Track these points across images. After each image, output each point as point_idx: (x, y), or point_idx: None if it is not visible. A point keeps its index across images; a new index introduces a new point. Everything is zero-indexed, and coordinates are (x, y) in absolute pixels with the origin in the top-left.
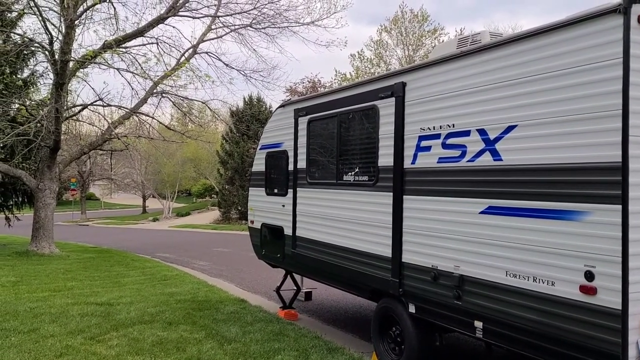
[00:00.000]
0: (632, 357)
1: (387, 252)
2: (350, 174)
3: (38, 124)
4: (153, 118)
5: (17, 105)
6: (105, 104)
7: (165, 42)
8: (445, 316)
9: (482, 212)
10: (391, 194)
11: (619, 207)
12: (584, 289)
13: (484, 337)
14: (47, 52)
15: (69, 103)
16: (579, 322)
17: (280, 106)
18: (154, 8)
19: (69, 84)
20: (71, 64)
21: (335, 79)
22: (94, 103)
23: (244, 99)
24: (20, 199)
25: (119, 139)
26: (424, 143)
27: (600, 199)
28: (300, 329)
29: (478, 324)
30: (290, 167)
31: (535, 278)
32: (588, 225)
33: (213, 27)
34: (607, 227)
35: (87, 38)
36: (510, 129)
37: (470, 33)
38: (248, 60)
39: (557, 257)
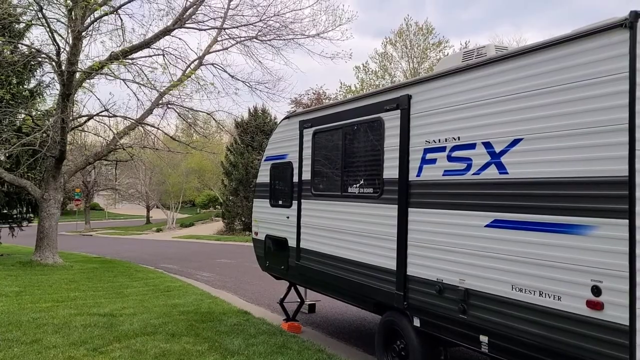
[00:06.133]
0: None
1: (391, 264)
2: (355, 186)
3: (44, 134)
4: (158, 129)
5: (23, 116)
6: (110, 115)
7: (171, 54)
8: (450, 330)
9: (487, 226)
10: (396, 206)
11: (626, 221)
12: (590, 304)
13: (489, 351)
14: (54, 63)
15: (74, 113)
16: (585, 338)
17: (285, 118)
18: (160, 20)
19: (75, 95)
20: (78, 74)
21: (340, 91)
22: (100, 114)
23: (249, 110)
24: (24, 209)
25: (124, 149)
26: (429, 156)
27: (606, 213)
28: (303, 342)
29: (483, 339)
30: (295, 179)
31: (541, 292)
32: (594, 240)
33: (219, 38)
34: (614, 241)
35: (94, 49)
36: (516, 142)
37: (476, 46)
38: (253, 71)
39: (563, 272)
